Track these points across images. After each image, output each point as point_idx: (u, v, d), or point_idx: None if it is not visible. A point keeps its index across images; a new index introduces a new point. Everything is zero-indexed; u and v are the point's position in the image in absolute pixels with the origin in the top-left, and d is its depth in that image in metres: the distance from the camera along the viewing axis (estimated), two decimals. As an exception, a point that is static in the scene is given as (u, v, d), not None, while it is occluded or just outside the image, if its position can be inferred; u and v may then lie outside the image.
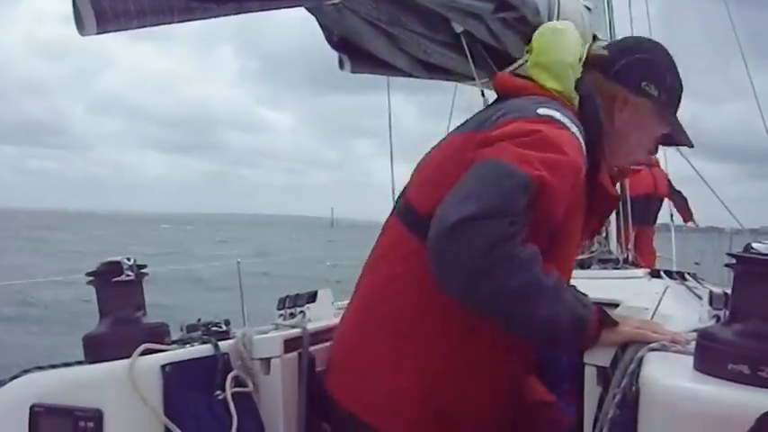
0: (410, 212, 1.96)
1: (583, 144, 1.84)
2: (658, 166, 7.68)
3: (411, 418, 1.91)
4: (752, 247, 1.37)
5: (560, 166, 1.73)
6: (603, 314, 1.78)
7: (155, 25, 2.62)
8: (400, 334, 1.92)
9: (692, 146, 2.07)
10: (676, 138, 2.07)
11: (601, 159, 1.94)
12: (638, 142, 2.07)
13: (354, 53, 3.27)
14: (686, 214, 8.11)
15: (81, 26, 2.37)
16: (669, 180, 7.83)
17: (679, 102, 2.07)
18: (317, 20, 3.13)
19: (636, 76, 2.00)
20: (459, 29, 3.10)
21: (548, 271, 1.70)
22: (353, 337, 2.03)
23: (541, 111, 1.83)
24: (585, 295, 1.81)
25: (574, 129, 1.82)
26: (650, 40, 2.10)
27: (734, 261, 1.38)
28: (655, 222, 7.81)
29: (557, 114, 1.82)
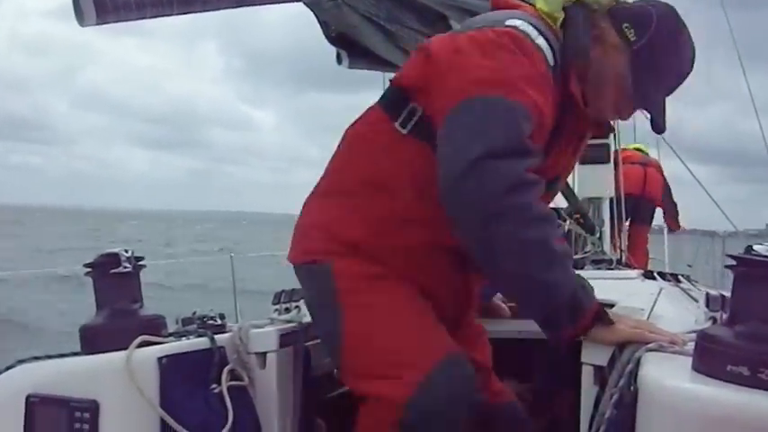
0: (387, 89, 2.02)
1: (548, 55, 1.84)
2: (656, 169, 7.64)
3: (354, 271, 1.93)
4: (753, 249, 1.37)
5: (537, 80, 1.78)
6: (602, 309, 1.77)
7: (154, 17, 2.61)
8: (370, 184, 1.95)
9: (661, 131, 2.00)
10: (644, 108, 1.98)
11: (571, 74, 1.91)
12: (605, 88, 1.96)
13: (352, 49, 3.28)
14: (674, 224, 8.08)
15: (80, 17, 2.36)
16: (668, 186, 7.77)
17: (667, 76, 1.98)
18: (316, 15, 3.14)
19: (623, 16, 1.95)
20: (456, 27, 3.11)
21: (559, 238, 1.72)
22: (327, 184, 2.08)
23: (509, 21, 1.85)
24: (591, 286, 1.79)
25: (540, 41, 1.83)
26: (669, 5, 2.01)
27: (734, 263, 1.38)
28: (650, 223, 7.79)
29: (521, 24, 1.84)
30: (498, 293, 2.39)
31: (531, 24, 1.85)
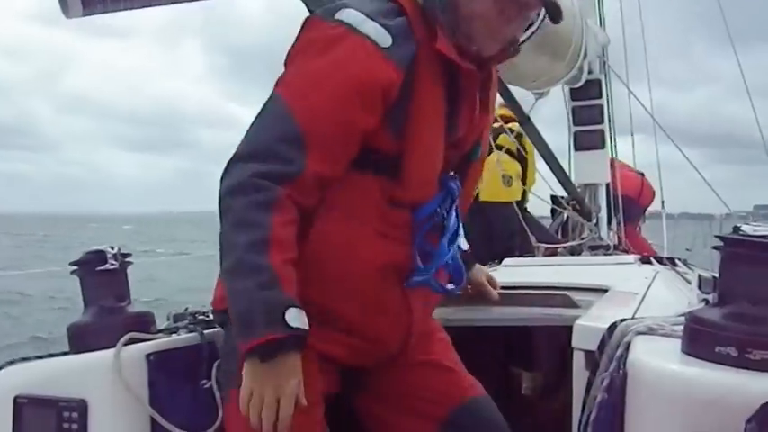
0: None
1: (378, 39, 1.70)
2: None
3: None
4: (740, 230, 1.36)
5: (324, 78, 1.69)
6: (270, 350, 1.56)
7: (141, 7, 2.59)
8: None
9: (558, 19, 1.84)
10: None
11: (438, 34, 1.77)
12: (484, 8, 1.78)
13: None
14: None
15: (66, 9, 2.34)
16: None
17: None
18: (306, 5, 3.12)
19: None
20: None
21: (273, 249, 1.57)
22: None
23: (337, 14, 1.74)
24: (286, 308, 1.56)
25: (366, 27, 1.71)
26: None
27: (721, 244, 1.37)
28: (636, 221, 7.82)
29: (346, 16, 1.73)
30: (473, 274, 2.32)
31: (361, 11, 1.74)
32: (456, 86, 1.83)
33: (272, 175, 1.61)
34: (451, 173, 1.91)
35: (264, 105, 1.73)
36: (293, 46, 1.79)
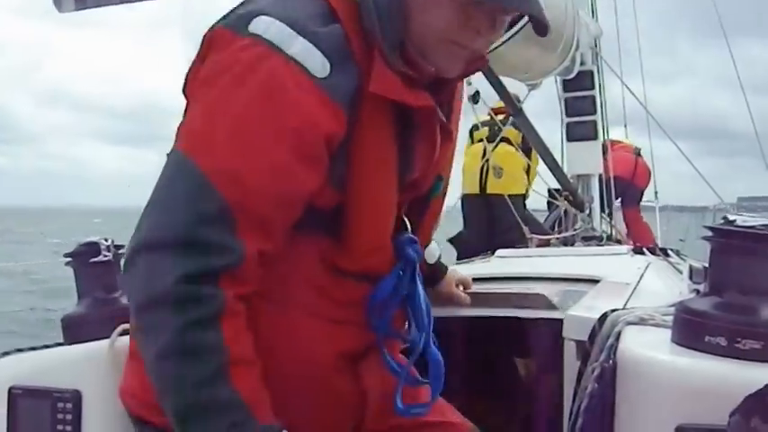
0: None
1: (310, 64, 1.27)
2: (645, 162, 7.77)
3: None
4: (729, 220, 1.37)
5: (245, 126, 1.25)
6: None
7: (133, 1, 2.59)
8: None
9: (545, 31, 1.41)
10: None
11: (375, 64, 1.33)
12: (444, 27, 1.35)
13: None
14: None
15: (59, 3, 2.34)
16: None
17: None
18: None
19: None
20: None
21: (235, 374, 1.23)
22: None
23: (253, 25, 1.28)
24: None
25: (296, 48, 1.26)
26: None
27: (711, 234, 1.38)
28: (638, 204, 7.85)
29: (264, 29, 1.27)
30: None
31: (285, 21, 1.27)
32: (410, 119, 1.42)
33: (206, 273, 1.21)
34: (405, 215, 1.54)
35: (167, 166, 1.29)
36: (194, 68, 1.36)
